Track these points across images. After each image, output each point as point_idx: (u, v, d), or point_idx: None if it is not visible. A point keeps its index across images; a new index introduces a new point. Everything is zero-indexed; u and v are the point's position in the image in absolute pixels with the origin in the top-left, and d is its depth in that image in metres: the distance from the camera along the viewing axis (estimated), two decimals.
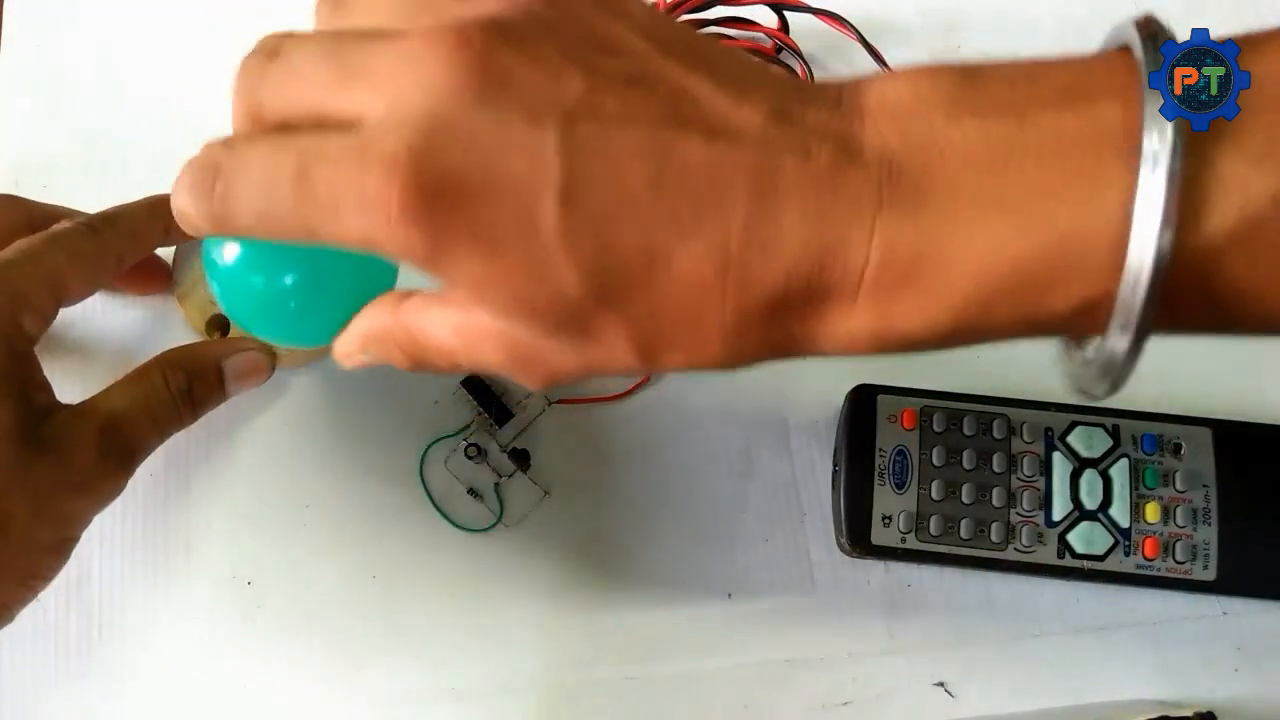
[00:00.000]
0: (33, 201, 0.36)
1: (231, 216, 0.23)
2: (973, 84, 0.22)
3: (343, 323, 0.28)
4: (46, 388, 0.31)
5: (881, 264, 0.21)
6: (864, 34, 0.39)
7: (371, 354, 0.27)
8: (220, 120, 0.41)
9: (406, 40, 0.21)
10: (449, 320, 0.24)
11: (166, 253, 0.38)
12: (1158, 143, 0.19)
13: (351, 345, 0.28)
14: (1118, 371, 0.22)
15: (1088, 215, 0.20)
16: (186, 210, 0.24)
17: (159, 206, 0.35)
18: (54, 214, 0.35)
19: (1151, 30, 0.21)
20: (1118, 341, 0.21)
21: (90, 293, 0.34)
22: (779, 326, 0.22)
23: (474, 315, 0.24)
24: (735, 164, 0.21)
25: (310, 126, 0.22)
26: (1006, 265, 0.21)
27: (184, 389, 0.33)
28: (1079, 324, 0.22)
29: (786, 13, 0.41)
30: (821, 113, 0.22)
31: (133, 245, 0.35)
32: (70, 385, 0.37)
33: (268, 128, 0.23)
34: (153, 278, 0.38)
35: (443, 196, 0.20)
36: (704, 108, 0.21)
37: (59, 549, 0.31)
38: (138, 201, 0.35)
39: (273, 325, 0.30)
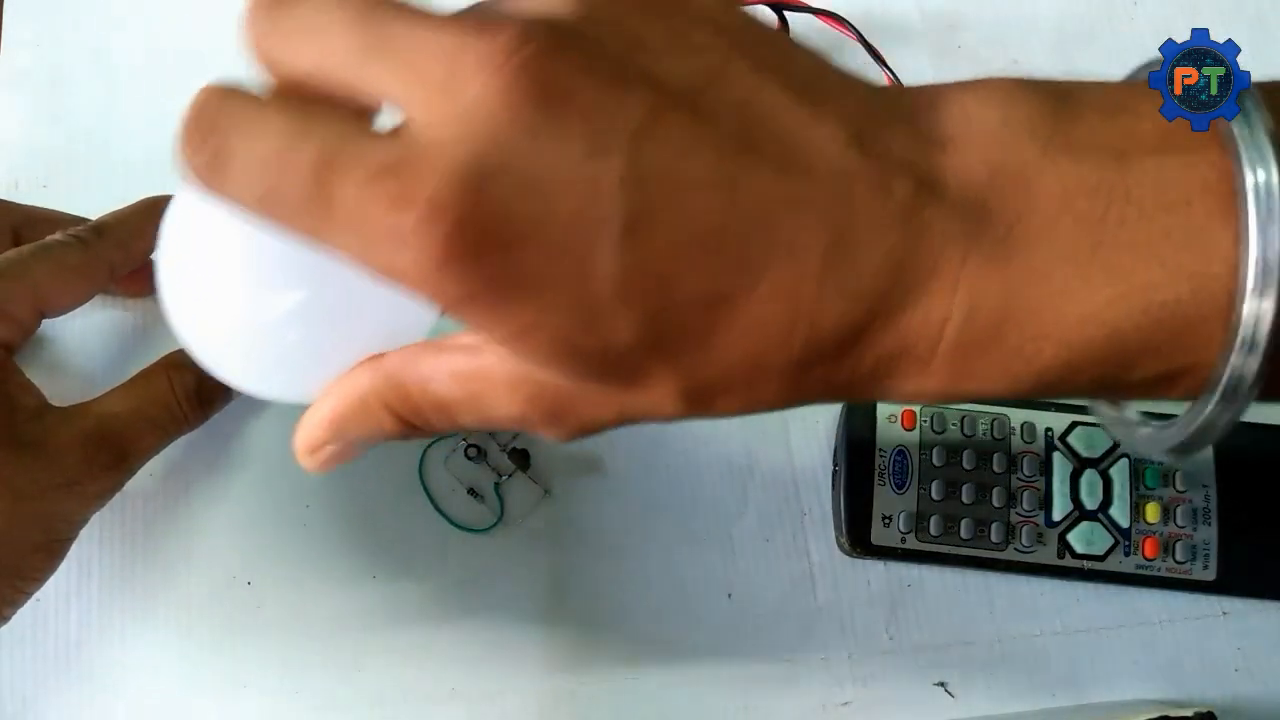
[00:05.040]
0: (21, 207, 0.36)
1: (223, 183, 0.19)
2: (1067, 112, 0.19)
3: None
4: (31, 389, 0.31)
5: (964, 323, 0.19)
6: (864, 34, 0.39)
7: (350, 433, 0.24)
8: None
9: (457, 28, 0.18)
10: (450, 368, 0.22)
11: None
12: (1265, 196, 0.18)
13: (320, 431, 0.24)
14: (1210, 438, 0.20)
15: (1195, 282, 0.18)
16: (180, 158, 0.20)
17: (153, 212, 0.35)
18: (43, 218, 0.35)
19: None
20: (1216, 411, 0.19)
21: (80, 303, 0.34)
22: (842, 372, 0.20)
23: (484, 362, 0.21)
24: (810, 201, 0.19)
25: (329, 106, 0.19)
26: (1102, 334, 0.19)
27: (190, 390, 0.33)
28: (1160, 389, 0.20)
29: (786, 13, 0.41)
30: (900, 137, 0.19)
31: (124, 255, 0.34)
32: (70, 387, 0.38)
33: (280, 89, 0.20)
34: (149, 279, 0.38)
35: (490, 242, 0.18)
36: (775, 124, 0.19)
37: (48, 550, 0.31)
38: (131, 207, 0.35)
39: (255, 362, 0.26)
